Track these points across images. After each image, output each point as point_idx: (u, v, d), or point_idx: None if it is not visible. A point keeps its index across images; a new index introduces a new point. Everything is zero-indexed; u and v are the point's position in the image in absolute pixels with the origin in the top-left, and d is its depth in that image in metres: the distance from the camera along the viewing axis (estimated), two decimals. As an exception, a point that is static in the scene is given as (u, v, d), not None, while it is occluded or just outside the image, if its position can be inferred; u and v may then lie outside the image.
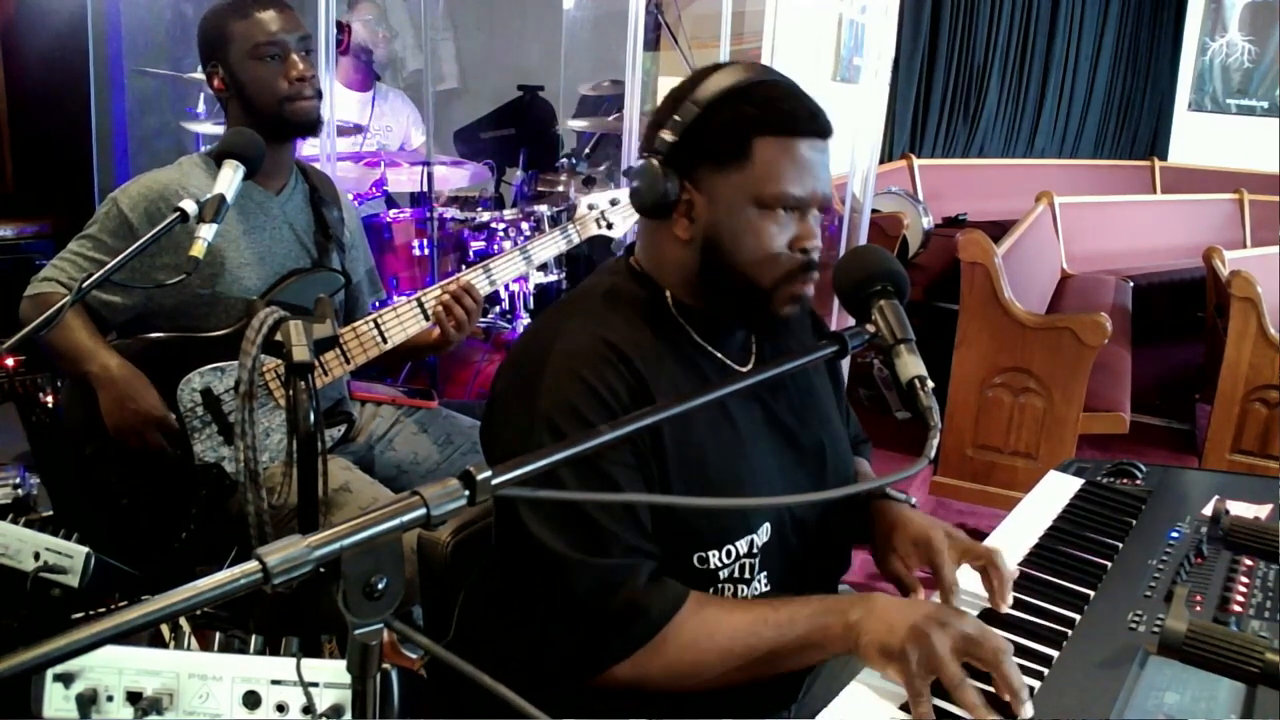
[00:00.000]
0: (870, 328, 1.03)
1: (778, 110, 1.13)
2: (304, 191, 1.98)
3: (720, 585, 1.17)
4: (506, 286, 3.43)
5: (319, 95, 1.87)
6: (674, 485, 1.14)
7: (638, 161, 1.18)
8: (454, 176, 3.83)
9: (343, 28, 3.53)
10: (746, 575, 1.19)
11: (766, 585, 1.21)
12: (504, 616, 1.17)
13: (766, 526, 1.19)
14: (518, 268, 2.02)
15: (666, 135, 1.15)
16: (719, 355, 1.23)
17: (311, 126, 1.88)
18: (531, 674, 1.07)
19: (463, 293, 1.91)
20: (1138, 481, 1.55)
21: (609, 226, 2.11)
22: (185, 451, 1.82)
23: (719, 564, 1.16)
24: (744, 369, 1.25)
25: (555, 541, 1.08)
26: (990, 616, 1.15)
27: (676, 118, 1.14)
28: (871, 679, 1.04)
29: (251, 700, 0.91)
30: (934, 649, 0.97)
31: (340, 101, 3.59)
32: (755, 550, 1.18)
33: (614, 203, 2.10)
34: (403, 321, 1.91)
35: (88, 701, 0.90)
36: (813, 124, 1.14)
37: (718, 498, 1.16)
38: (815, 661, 1.10)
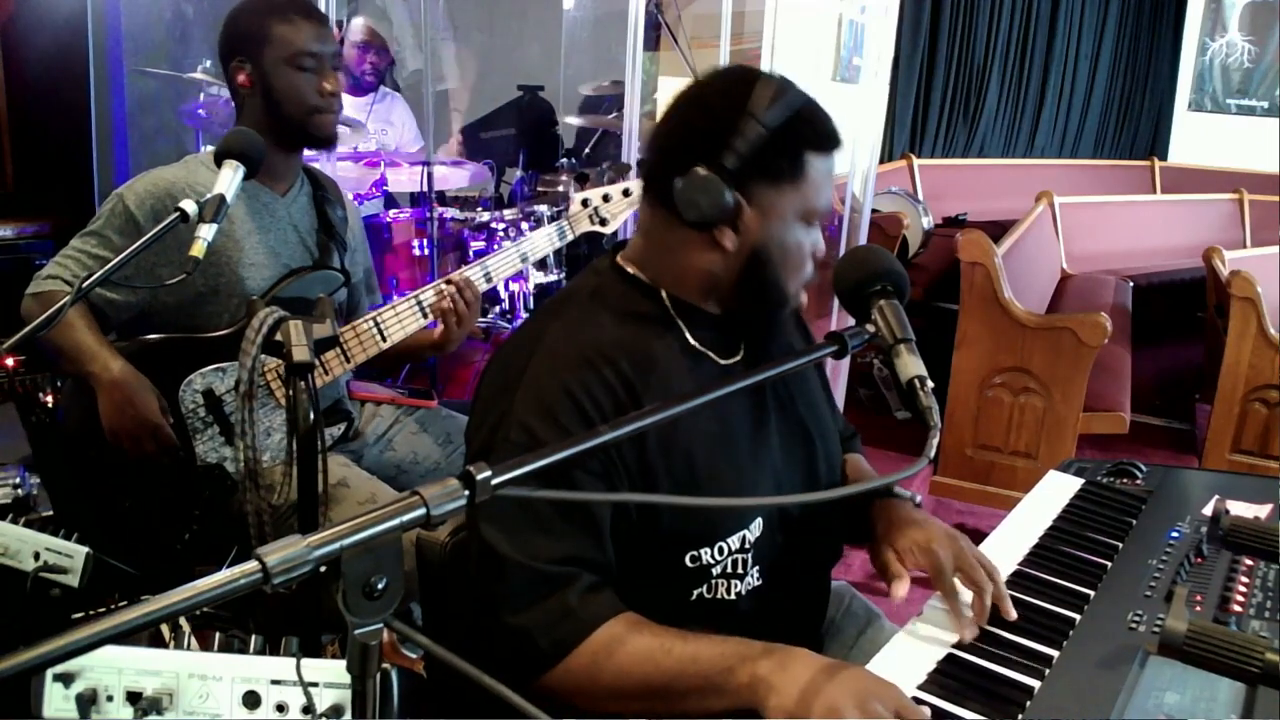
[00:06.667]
0: (870, 328, 1.03)
1: (824, 128, 1.16)
2: (309, 192, 1.99)
3: (714, 581, 1.18)
4: (506, 286, 3.43)
5: (339, 112, 1.90)
6: (661, 484, 1.13)
7: (696, 172, 1.12)
8: (454, 176, 3.83)
9: None
10: (739, 570, 1.19)
11: (759, 579, 1.21)
12: (467, 617, 1.17)
13: (759, 521, 1.20)
14: (513, 264, 2.02)
15: (731, 152, 1.11)
16: (708, 352, 1.23)
17: (329, 140, 1.90)
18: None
19: (463, 286, 1.91)
20: (1138, 481, 1.55)
21: (602, 223, 2.10)
22: (188, 454, 1.82)
23: (711, 561, 1.16)
24: (729, 360, 1.25)
25: (500, 541, 1.09)
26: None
27: (742, 134, 1.11)
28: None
29: (251, 700, 0.91)
30: None
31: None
32: (748, 545, 1.19)
33: (606, 199, 2.09)
34: (401, 320, 1.91)
35: (88, 701, 0.90)
36: (840, 139, 1.19)
37: (708, 495, 1.16)
38: (717, 710, 1.02)
